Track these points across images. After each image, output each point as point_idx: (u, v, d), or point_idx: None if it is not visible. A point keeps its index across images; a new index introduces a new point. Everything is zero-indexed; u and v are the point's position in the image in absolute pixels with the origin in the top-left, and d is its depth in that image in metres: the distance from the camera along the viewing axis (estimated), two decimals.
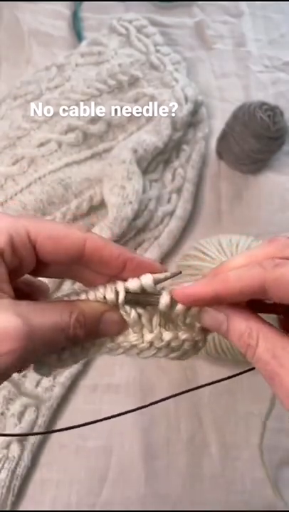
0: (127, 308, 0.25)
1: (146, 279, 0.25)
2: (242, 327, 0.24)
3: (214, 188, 0.61)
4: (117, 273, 0.26)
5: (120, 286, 0.25)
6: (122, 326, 0.26)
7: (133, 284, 0.25)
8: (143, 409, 0.51)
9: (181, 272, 0.27)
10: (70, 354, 0.26)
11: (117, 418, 0.51)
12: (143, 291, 0.25)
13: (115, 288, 0.25)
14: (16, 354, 0.21)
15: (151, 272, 0.25)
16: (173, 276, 0.26)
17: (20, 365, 0.22)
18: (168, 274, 0.26)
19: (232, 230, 0.56)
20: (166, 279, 0.26)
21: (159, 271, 0.26)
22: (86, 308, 0.25)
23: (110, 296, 0.25)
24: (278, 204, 0.60)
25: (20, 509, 0.45)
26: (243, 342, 0.24)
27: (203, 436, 0.49)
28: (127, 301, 0.25)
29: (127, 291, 0.25)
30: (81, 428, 0.50)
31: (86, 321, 0.25)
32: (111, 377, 0.51)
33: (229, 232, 0.52)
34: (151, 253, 0.55)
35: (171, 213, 0.57)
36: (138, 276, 0.25)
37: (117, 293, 0.25)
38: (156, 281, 0.25)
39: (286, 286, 0.22)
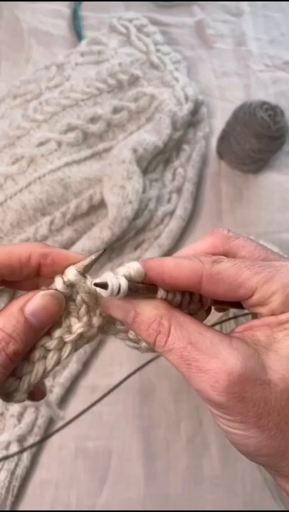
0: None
1: (69, 274, 0.23)
2: (151, 315, 0.22)
3: (214, 188, 0.60)
4: (33, 275, 0.24)
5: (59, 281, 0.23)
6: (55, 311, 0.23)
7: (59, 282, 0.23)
8: (143, 410, 0.51)
9: (105, 250, 0.24)
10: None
11: (117, 419, 0.51)
12: (71, 284, 0.23)
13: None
14: None
15: (72, 263, 0.23)
16: (98, 257, 0.24)
17: None
18: (92, 257, 0.24)
19: (232, 230, 0.56)
20: (92, 263, 0.23)
21: (78, 260, 0.24)
22: (2, 319, 0.22)
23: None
24: (278, 204, 0.60)
25: (20, 509, 0.45)
26: (152, 330, 0.22)
27: (203, 437, 0.49)
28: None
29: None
30: (81, 429, 0.50)
31: (9, 331, 0.22)
32: (111, 377, 0.50)
33: None
34: (151, 253, 0.55)
35: (172, 213, 0.57)
36: (59, 270, 0.23)
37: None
38: (85, 270, 0.23)
39: (221, 283, 0.22)
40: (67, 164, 0.54)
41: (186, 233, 0.58)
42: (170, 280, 0.23)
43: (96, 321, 0.25)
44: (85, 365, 0.50)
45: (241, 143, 0.55)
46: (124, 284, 0.22)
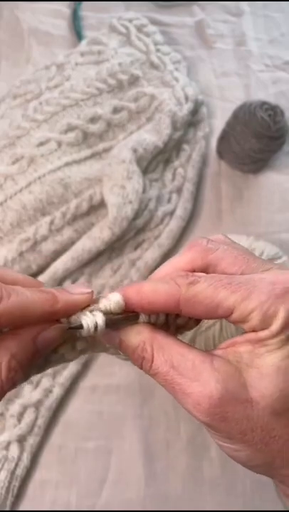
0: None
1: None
2: (135, 340, 0.23)
3: (214, 188, 0.60)
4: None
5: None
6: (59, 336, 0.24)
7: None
8: (143, 410, 0.51)
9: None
10: None
11: (117, 419, 0.51)
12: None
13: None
14: None
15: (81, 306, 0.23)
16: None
17: None
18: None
19: (232, 230, 0.56)
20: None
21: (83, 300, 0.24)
22: (16, 346, 0.22)
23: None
24: (279, 204, 0.60)
25: (20, 509, 0.45)
26: (137, 356, 0.23)
27: (203, 437, 0.49)
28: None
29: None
30: (81, 429, 0.50)
31: (20, 359, 0.22)
32: (111, 377, 0.50)
33: (230, 232, 0.51)
34: (151, 253, 0.55)
35: (172, 213, 0.57)
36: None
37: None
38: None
39: (199, 305, 0.22)
40: (67, 164, 0.54)
41: (186, 233, 0.58)
42: (149, 306, 0.23)
43: (79, 345, 0.25)
44: (85, 365, 0.50)
45: (241, 143, 0.55)
46: (100, 321, 0.22)
